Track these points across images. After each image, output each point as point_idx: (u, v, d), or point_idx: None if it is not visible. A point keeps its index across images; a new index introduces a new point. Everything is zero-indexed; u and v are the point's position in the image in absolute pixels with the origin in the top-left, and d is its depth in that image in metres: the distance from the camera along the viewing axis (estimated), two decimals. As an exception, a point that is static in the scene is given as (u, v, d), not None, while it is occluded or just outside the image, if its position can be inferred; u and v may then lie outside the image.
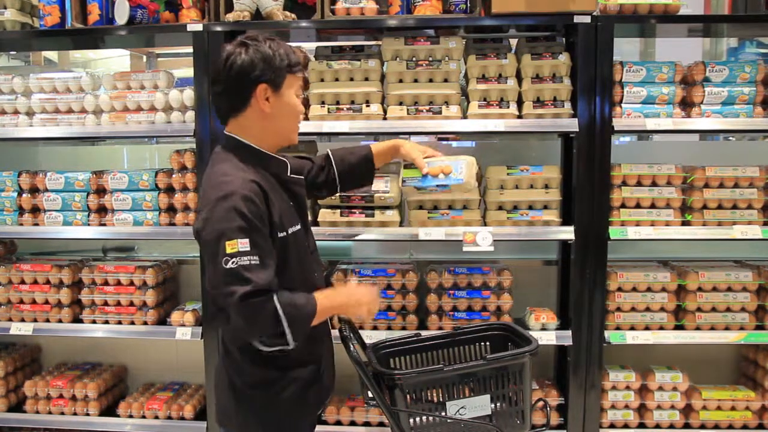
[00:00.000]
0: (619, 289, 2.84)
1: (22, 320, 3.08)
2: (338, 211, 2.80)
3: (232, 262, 1.62)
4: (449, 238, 2.74)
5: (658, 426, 2.91)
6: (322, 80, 2.81)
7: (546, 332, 2.80)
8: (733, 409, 2.88)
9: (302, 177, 2.00)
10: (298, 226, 1.87)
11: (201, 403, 3.12)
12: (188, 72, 2.95)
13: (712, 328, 2.83)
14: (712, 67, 2.75)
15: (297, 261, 1.84)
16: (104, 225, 2.99)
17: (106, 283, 3.05)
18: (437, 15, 2.76)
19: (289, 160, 1.97)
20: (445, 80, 2.79)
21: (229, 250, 1.62)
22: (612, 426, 2.91)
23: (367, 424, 2.95)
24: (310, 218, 2.30)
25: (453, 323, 2.84)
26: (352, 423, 2.96)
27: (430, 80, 2.80)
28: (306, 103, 2.86)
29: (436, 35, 2.83)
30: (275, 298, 1.65)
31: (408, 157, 2.21)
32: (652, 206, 2.80)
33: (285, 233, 1.79)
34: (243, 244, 1.63)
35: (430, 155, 2.21)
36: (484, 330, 2.09)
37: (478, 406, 1.81)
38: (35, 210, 3.07)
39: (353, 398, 3.03)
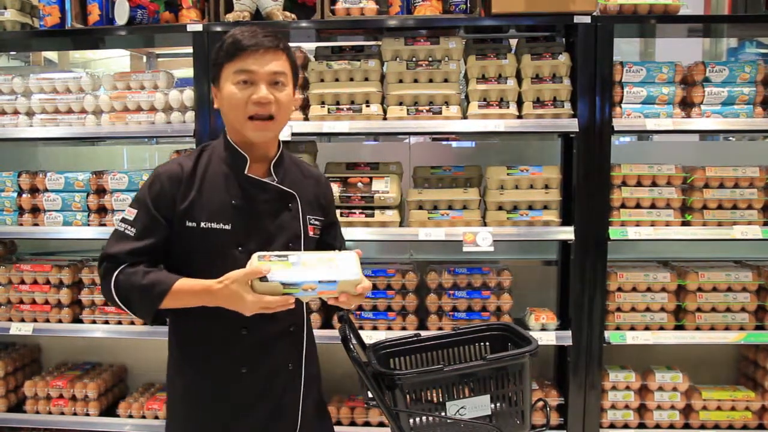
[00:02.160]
0: (619, 290, 2.83)
1: (22, 320, 3.08)
2: (338, 211, 2.80)
3: (117, 225, 1.74)
4: (449, 239, 2.74)
5: (658, 426, 2.91)
6: (322, 80, 2.81)
7: (546, 332, 2.80)
8: (733, 409, 2.88)
9: (279, 186, 1.78)
10: (225, 226, 1.70)
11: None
12: (188, 72, 2.95)
13: (712, 329, 2.83)
14: (712, 67, 2.75)
15: (204, 260, 1.71)
16: (104, 225, 2.99)
17: (106, 284, 3.05)
18: (437, 15, 2.76)
19: (283, 170, 1.80)
20: (445, 80, 2.79)
21: (123, 214, 1.75)
22: (612, 426, 2.91)
23: (367, 424, 2.95)
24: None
25: (453, 323, 2.84)
26: (352, 423, 2.96)
27: (430, 80, 2.80)
28: (306, 103, 2.87)
29: (436, 35, 2.83)
30: (118, 269, 1.67)
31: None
32: (652, 206, 2.80)
33: (194, 224, 1.70)
34: (130, 212, 1.72)
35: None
36: (483, 330, 2.08)
37: (478, 406, 1.80)
38: (35, 210, 3.07)
39: (353, 398, 3.03)
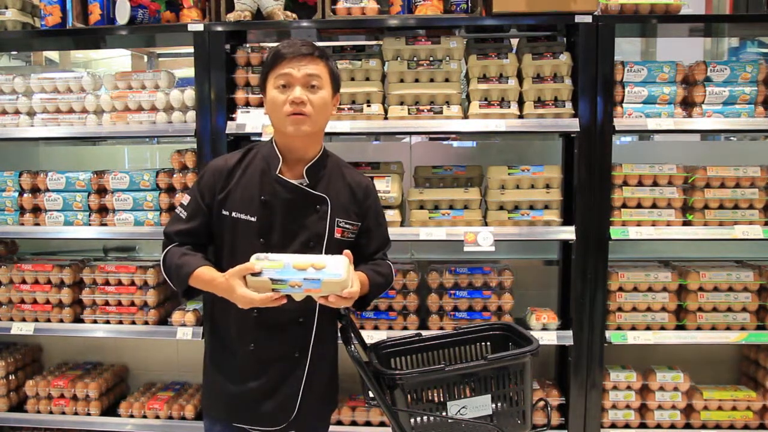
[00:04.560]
0: (620, 289, 2.83)
1: (23, 320, 3.08)
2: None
3: (176, 209, 2.00)
4: (450, 238, 2.74)
5: (659, 426, 2.91)
6: (323, 80, 2.81)
7: (547, 332, 2.79)
8: (734, 409, 2.88)
9: (305, 188, 1.91)
10: (251, 218, 1.89)
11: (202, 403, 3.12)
12: (189, 72, 2.95)
13: (713, 328, 2.83)
14: (713, 66, 2.75)
15: (231, 246, 1.92)
16: (105, 225, 2.99)
17: (107, 283, 3.05)
18: (438, 15, 2.76)
19: (313, 176, 1.92)
20: (446, 80, 2.79)
21: (181, 201, 2.00)
22: (613, 426, 2.90)
23: (368, 423, 2.95)
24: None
25: (454, 323, 2.84)
26: (353, 423, 2.96)
27: (431, 80, 2.80)
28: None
29: (437, 35, 2.83)
30: (169, 246, 1.95)
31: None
32: (654, 206, 2.80)
33: (227, 213, 1.91)
34: (185, 199, 1.98)
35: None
36: (485, 330, 2.08)
37: (479, 406, 1.80)
38: (36, 210, 3.07)
39: (354, 398, 3.03)
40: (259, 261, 1.69)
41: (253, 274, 1.67)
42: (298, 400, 1.97)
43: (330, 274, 1.66)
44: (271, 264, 1.68)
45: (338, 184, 1.98)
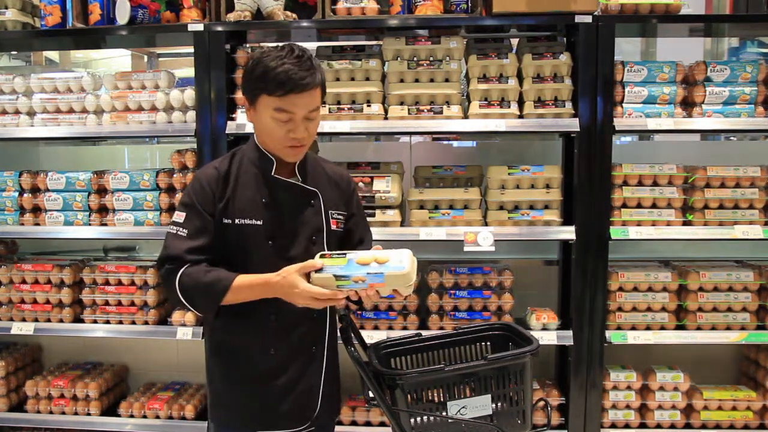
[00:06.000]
0: (620, 289, 2.83)
1: (23, 320, 3.08)
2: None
3: (169, 229, 1.87)
4: (450, 238, 2.74)
5: (659, 426, 2.91)
6: (323, 80, 2.81)
7: (547, 332, 2.80)
8: (734, 409, 2.88)
9: (302, 185, 1.92)
10: (257, 222, 1.86)
11: (202, 403, 3.12)
12: (189, 72, 2.95)
13: (713, 328, 2.83)
14: (713, 66, 2.75)
15: (242, 252, 1.87)
16: (105, 225, 2.99)
17: (107, 283, 3.05)
18: (438, 15, 2.76)
19: (305, 173, 1.93)
20: (446, 80, 2.79)
21: (173, 219, 1.88)
22: (613, 426, 2.90)
23: (368, 423, 2.96)
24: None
25: (454, 323, 2.84)
26: (353, 423, 2.96)
27: (431, 80, 2.80)
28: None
29: (437, 35, 2.83)
30: (181, 269, 1.79)
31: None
32: (654, 206, 2.80)
33: (230, 221, 1.85)
34: (179, 216, 1.86)
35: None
36: (485, 330, 2.08)
37: (479, 406, 1.80)
38: (36, 210, 3.07)
39: (354, 398, 3.03)
40: (323, 258, 1.69)
41: (316, 271, 1.66)
42: (320, 394, 1.98)
43: (393, 267, 1.64)
44: (333, 261, 1.68)
45: (323, 178, 2.00)
